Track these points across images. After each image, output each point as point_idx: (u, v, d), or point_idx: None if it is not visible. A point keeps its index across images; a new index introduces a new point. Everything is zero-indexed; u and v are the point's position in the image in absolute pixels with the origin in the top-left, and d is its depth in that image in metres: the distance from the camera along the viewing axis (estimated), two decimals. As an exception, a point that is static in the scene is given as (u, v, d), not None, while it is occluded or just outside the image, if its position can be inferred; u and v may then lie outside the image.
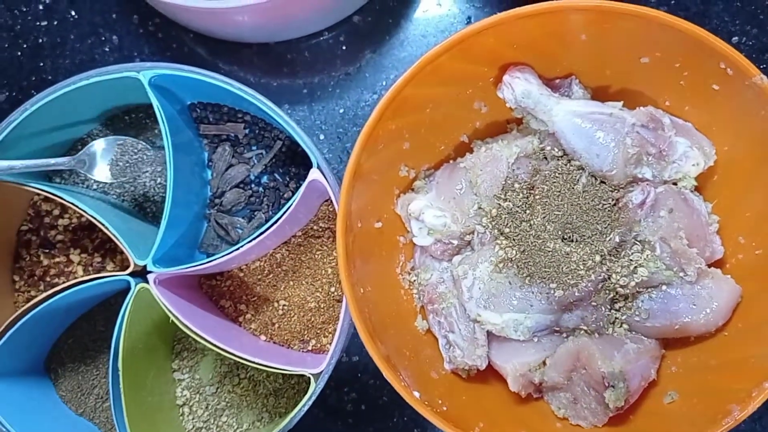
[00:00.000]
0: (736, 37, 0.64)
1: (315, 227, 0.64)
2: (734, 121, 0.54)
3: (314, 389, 0.56)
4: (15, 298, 0.66)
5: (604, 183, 0.54)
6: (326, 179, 0.57)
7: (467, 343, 0.55)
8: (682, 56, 0.52)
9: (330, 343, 0.63)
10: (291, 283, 0.64)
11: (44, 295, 0.59)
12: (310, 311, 0.63)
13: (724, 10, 0.64)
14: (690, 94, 0.55)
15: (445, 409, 0.52)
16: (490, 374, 0.57)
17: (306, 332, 0.63)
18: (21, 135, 0.60)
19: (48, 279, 0.65)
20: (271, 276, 0.64)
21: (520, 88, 0.55)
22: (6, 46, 0.70)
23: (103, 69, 0.59)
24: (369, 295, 0.54)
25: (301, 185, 0.64)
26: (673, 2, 0.65)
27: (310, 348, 0.63)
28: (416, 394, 0.51)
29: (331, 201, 0.63)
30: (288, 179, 0.65)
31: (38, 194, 0.63)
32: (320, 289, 0.63)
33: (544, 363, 0.55)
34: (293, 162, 0.65)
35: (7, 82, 0.70)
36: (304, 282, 0.64)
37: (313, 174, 0.57)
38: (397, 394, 0.50)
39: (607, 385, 0.52)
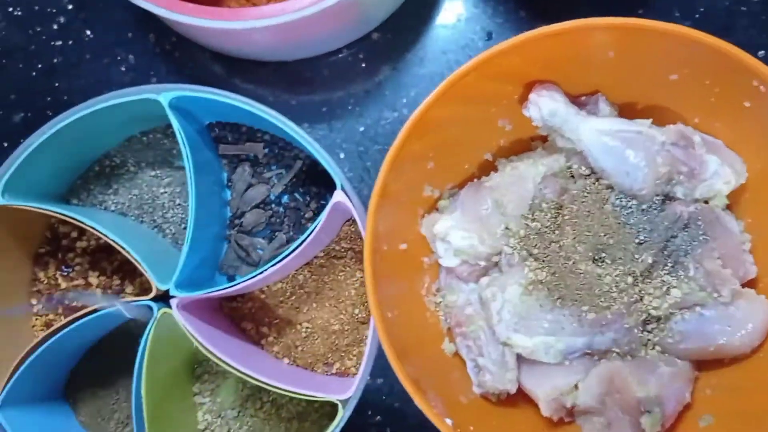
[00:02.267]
0: (763, 51, 0.63)
1: (337, 248, 0.63)
2: (766, 137, 0.53)
3: (342, 416, 0.55)
4: (33, 322, 0.65)
5: (634, 202, 0.53)
6: (350, 200, 0.56)
7: (497, 367, 0.54)
8: (713, 73, 0.51)
9: (354, 366, 0.62)
10: (314, 305, 0.63)
11: (65, 321, 0.58)
12: (333, 333, 0.62)
13: (751, 25, 0.63)
14: (720, 111, 0.54)
15: (475, 435, 0.51)
16: (520, 398, 0.56)
17: (330, 355, 0.62)
18: (39, 157, 0.59)
19: (66, 302, 0.64)
20: (293, 298, 0.63)
21: (546, 107, 0.54)
22: (20, 66, 0.69)
23: (123, 91, 0.58)
24: (395, 318, 0.53)
25: (321, 205, 0.63)
26: (697, 16, 0.64)
27: (334, 371, 0.62)
28: (449, 421, 0.50)
29: (353, 221, 0.62)
30: (308, 199, 0.64)
31: (56, 217, 0.62)
32: (344, 311, 0.62)
33: (575, 386, 0.54)
34: (313, 182, 0.64)
35: (22, 102, 0.69)
36: (327, 304, 0.63)
37: (338, 196, 0.56)
38: (423, 418, 0.49)
39: (643, 410, 0.51)
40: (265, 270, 0.56)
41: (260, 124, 0.64)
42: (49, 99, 0.69)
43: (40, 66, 0.69)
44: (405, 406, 0.64)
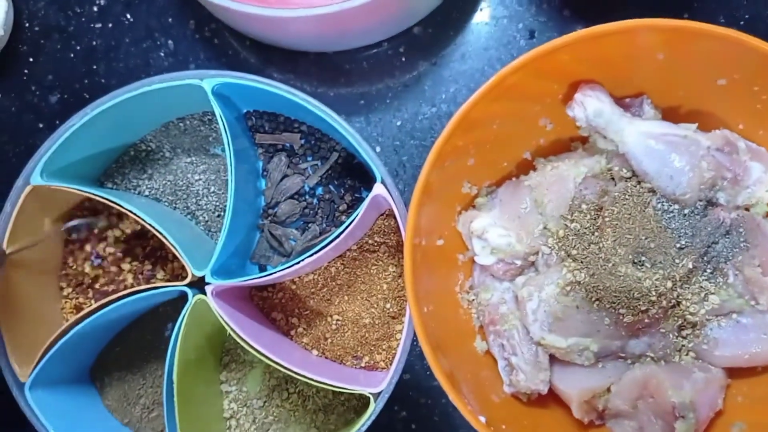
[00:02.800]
0: (807, 60, 0.62)
1: (370, 241, 0.62)
2: (811, 147, 0.52)
3: (374, 409, 0.55)
4: (62, 304, 0.65)
5: (676, 207, 0.53)
6: (390, 193, 0.56)
7: (530, 366, 0.54)
8: (762, 79, 0.51)
9: (383, 360, 0.62)
10: (345, 297, 0.63)
11: (96, 305, 0.58)
12: (364, 327, 0.62)
13: (795, 32, 0.63)
14: (767, 118, 0.53)
15: (507, 434, 0.51)
16: (551, 399, 0.56)
17: (359, 348, 0.62)
18: (78, 139, 0.59)
19: (97, 287, 0.64)
20: (325, 290, 0.63)
21: (592, 107, 0.54)
22: (59, 47, 0.69)
23: (166, 76, 0.58)
24: (431, 313, 0.53)
25: (356, 198, 0.63)
26: (742, 23, 0.63)
27: (363, 365, 0.62)
28: (482, 418, 0.50)
29: (388, 215, 0.62)
30: (343, 191, 0.64)
31: (92, 200, 0.62)
32: (375, 305, 0.62)
33: (608, 389, 0.54)
34: (349, 174, 0.64)
35: (59, 84, 0.69)
36: (358, 297, 0.63)
37: (377, 189, 0.56)
38: (449, 415, 0.49)
39: (677, 415, 0.51)
40: (301, 261, 0.56)
41: (297, 114, 0.64)
42: (86, 81, 0.69)
43: (78, 48, 0.69)
44: (431, 402, 0.64)
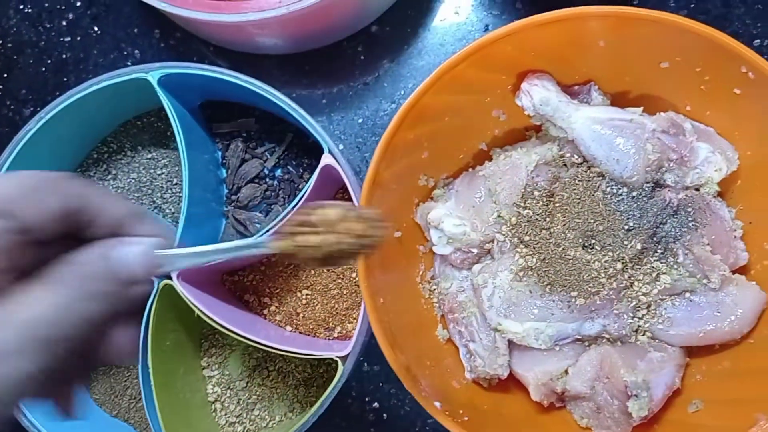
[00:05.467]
0: (758, 40, 0.63)
1: (332, 215, 0.64)
2: (758, 125, 0.53)
3: (342, 371, 0.56)
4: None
5: (625, 189, 0.54)
6: (339, 164, 0.57)
7: (488, 352, 0.55)
8: (703, 61, 0.52)
9: (355, 329, 0.63)
10: (312, 272, 0.65)
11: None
12: (333, 298, 0.64)
13: (746, 13, 0.63)
14: (711, 99, 0.54)
15: (466, 419, 0.52)
16: (512, 383, 0.57)
17: (331, 319, 0.64)
18: (38, 143, 0.61)
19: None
20: (291, 266, 0.65)
21: (538, 96, 0.55)
22: (31, 62, 0.71)
23: (114, 72, 0.60)
24: (389, 305, 0.54)
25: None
26: (692, 6, 0.64)
27: (336, 335, 0.64)
28: (437, 404, 0.51)
29: (347, 189, 0.63)
30: (302, 170, 0.66)
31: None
32: (341, 275, 0.64)
33: (566, 372, 0.55)
34: (306, 153, 0.66)
35: (32, 97, 0.71)
36: (325, 269, 0.65)
37: (326, 159, 0.57)
38: (419, 404, 0.50)
39: (630, 394, 0.52)
40: (258, 237, 0.58)
41: (250, 99, 0.66)
42: (57, 93, 0.70)
43: (49, 62, 0.71)
44: (401, 392, 0.65)
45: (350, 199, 0.61)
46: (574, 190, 0.54)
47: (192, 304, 0.58)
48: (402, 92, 0.67)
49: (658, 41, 0.52)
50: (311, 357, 0.57)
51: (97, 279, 0.32)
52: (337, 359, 0.57)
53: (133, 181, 0.67)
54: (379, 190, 0.54)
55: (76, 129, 0.64)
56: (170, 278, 0.59)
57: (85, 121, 0.64)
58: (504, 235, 0.56)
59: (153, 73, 0.59)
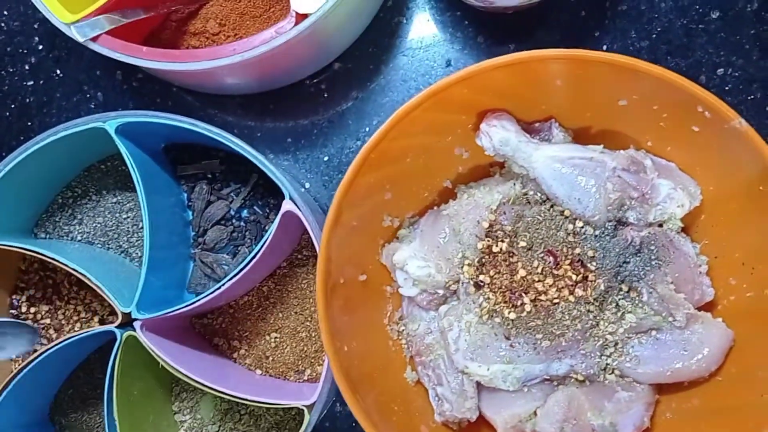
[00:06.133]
0: (722, 69, 0.63)
1: (299, 256, 0.64)
2: (717, 161, 0.53)
3: (309, 420, 0.56)
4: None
5: (588, 228, 0.53)
6: (299, 209, 0.57)
7: (456, 395, 0.55)
8: (660, 100, 0.52)
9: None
10: (280, 314, 0.64)
11: (38, 352, 0.59)
12: (302, 341, 0.64)
13: (708, 42, 0.63)
14: (671, 135, 0.54)
15: (434, 465, 0.51)
16: (482, 425, 0.56)
17: (300, 362, 0.64)
18: (2, 191, 0.61)
19: (43, 332, 0.66)
20: (260, 309, 0.64)
21: (497, 136, 0.54)
22: (-6, 106, 0.71)
23: (70, 123, 0.59)
24: (354, 350, 0.54)
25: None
26: (654, 36, 0.64)
27: (306, 378, 0.64)
28: (402, 453, 0.50)
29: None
30: (268, 211, 0.66)
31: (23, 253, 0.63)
32: (309, 318, 0.64)
33: (534, 413, 0.55)
34: (271, 194, 0.66)
35: (-4, 142, 0.71)
36: (293, 312, 0.64)
37: (286, 206, 0.57)
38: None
39: (597, 437, 0.51)
40: (225, 283, 0.57)
41: (213, 142, 0.65)
42: (22, 138, 0.70)
43: (13, 106, 0.71)
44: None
45: (313, 242, 0.61)
46: (537, 229, 0.54)
47: (156, 354, 0.57)
48: (366, 129, 0.66)
49: (615, 81, 0.52)
50: (276, 406, 0.57)
51: None
52: (304, 408, 0.56)
53: (98, 225, 0.66)
54: (341, 231, 0.53)
55: (39, 175, 0.63)
56: (134, 329, 0.58)
57: (48, 168, 0.63)
58: (468, 276, 0.55)
59: (110, 122, 0.58)
